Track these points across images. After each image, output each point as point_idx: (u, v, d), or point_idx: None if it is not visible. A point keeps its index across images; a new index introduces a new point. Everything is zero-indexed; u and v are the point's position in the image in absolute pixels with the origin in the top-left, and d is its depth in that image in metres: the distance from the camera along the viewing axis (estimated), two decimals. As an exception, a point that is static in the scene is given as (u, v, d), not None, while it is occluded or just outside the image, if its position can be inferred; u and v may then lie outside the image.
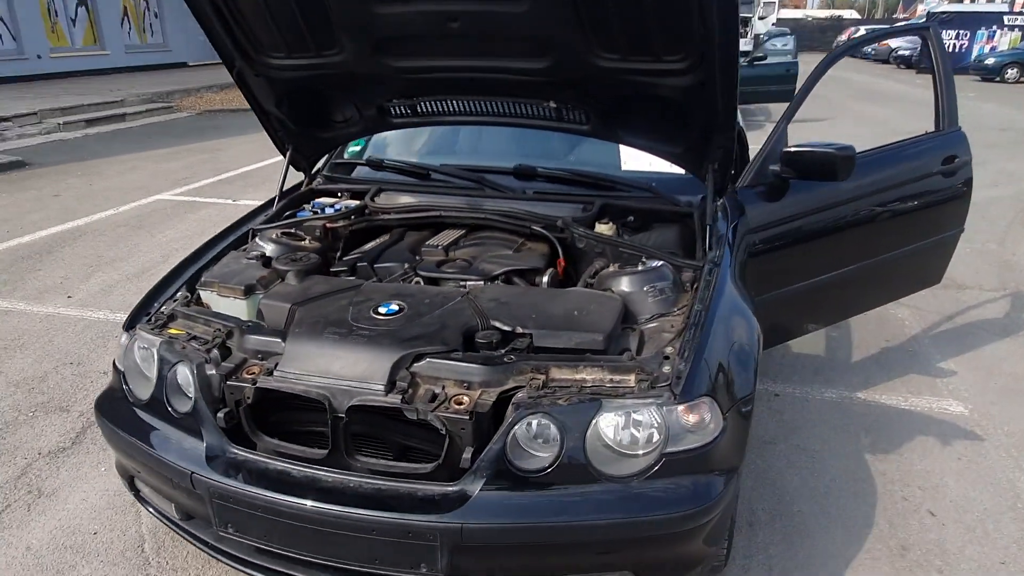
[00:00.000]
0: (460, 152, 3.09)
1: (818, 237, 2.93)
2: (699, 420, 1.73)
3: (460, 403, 1.71)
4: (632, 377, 1.76)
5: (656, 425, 1.70)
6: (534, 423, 1.68)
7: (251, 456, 1.81)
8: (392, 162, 2.92)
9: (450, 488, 1.68)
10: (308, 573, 1.80)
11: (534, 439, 1.69)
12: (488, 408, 1.69)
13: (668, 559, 1.77)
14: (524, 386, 1.73)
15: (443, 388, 1.76)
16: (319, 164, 3.03)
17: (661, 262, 2.20)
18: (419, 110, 2.58)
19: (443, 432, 1.69)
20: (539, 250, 2.40)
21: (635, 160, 2.74)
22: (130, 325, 2.11)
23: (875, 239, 3.10)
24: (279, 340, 1.88)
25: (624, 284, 2.12)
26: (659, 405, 1.70)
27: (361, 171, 3.02)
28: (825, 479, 2.73)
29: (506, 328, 1.90)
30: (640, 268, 2.16)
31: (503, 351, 1.84)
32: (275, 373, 1.82)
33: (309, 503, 1.68)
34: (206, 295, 2.25)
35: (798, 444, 2.96)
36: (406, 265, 2.28)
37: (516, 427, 1.67)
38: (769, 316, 2.86)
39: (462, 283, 2.20)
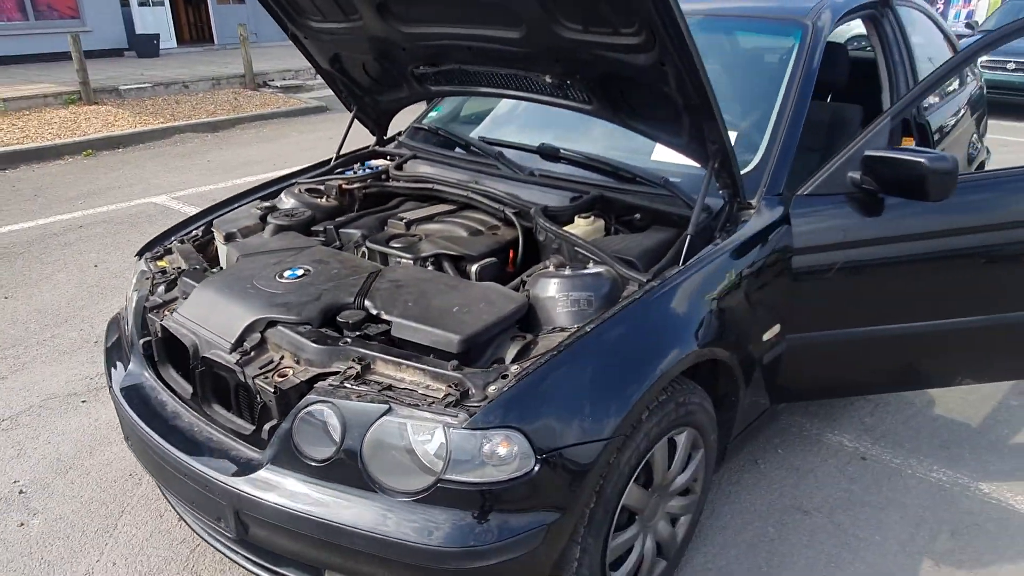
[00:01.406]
0: (515, 128, 2.93)
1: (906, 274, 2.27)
2: (491, 453, 1.50)
3: (283, 376, 1.71)
4: (443, 388, 1.59)
5: (440, 446, 1.52)
6: (319, 411, 1.61)
7: (149, 383, 2.02)
8: (438, 130, 2.89)
9: (252, 455, 1.71)
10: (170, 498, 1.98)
11: (322, 428, 1.62)
12: (293, 385, 1.67)
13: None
14: (339, 372, 1.67)
15: (281, 358, 1.77)
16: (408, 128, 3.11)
17: (603, 270, 1.91)
18: (446, 78, 2.52)
19: (258, 400, 1.71)
20: (504, 237, 2.22)
21: (668, 151, 2.35)
22: (141, 253, 2.45)
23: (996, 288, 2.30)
24: (195, 284, 2.05)
25: (541, 286, 1.88)
26: (447, 426, 1.51)
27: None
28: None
29: (373, 312, 1.83)
30: (567, 272, 1.90)
31: (353, 334, 1.78)
32: (174, 314, 1.99)
33: (156, 436, 1.84)
34: (216, 235, 2.51)
35: (842, 523, 2.36)
36: (359, 234, 2.28)
37: (303, 411, 1.62)
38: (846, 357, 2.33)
39: (399, 259, 2.15)
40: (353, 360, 1.68)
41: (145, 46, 14.09)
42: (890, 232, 2.24)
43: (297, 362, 1.75)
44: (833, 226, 2.23)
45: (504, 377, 1.59)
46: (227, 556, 1.83)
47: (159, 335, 2.03)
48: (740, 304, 2.02)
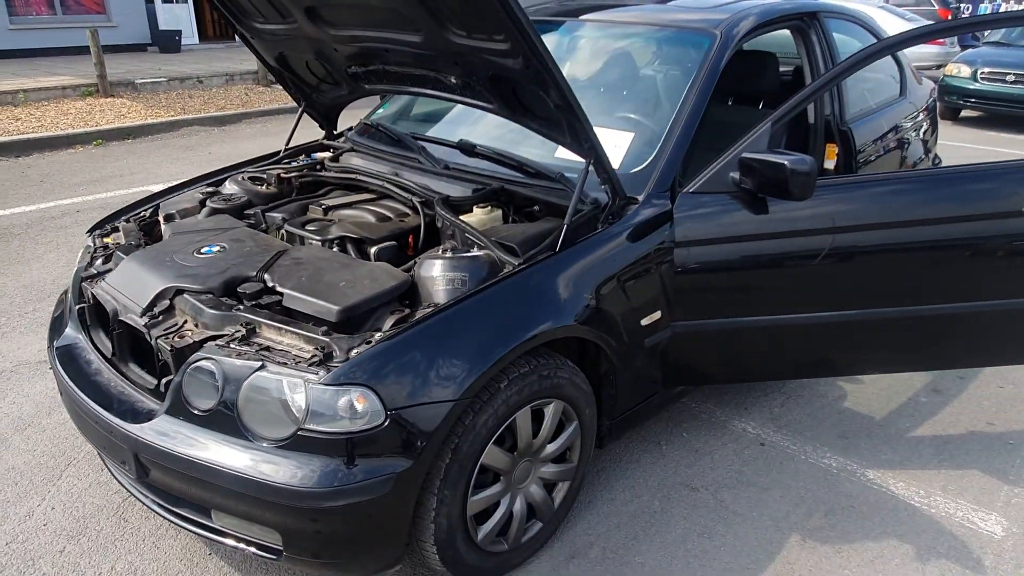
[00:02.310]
0: (446, 126, 3.12)
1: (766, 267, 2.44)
2: (348, 407, 1.71)
3: (182, 337, 1.94)
4: (311, 349, 1.80)
5: (302, 400, 1.73)
6: (205, 366, 1.83)
7: (80, 345, 2.26)
8: (377, 125, 3.10)
9: (154, 407, 1.93)
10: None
11: (207, 382, 1.84)
12: (187, 344, 1.89)
13: (308, 534, 1.78)
14: (227, 335, 1.89)
15: (184, 323, 2.00)
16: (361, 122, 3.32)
17: (482, 253, 2.10)
18: (376, 78, 2.73)
19: (159, 358, 1.94)
20: (409, 224, 2.43)
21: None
22: (92, 230, 2.69)
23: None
24: (123, 257, 2.28)
25: (426, 267, 2.08)
26: (307, 381, 1.72)
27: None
28: (685, 539, 2.33)
29: (269, 284, 2.05)
30: (448, 255, 2.10)
31: (248, 304, 2.00)
32: (101, 283, 2.22)
33: (77, 389, 2.07)
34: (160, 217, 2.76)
35: (724, 500, 2.53)
36: (280, 217, 2.50)
37: (191, 367, 1.84)
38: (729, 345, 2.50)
39: (310, 241, 2.37)
40: (241, 324, 1.90)
41: (167, 42, 14.52)
42: (765, 229, 2.41)
43: (196, 326, 1.97)
44: (714, 222, 2.40)
45: (368, 343, 1.79)
46: (134, 496, 2.05)
47: (91, 302, 2.27)
48: (614, 290, 2.20)
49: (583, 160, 2.32)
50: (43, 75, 10.77)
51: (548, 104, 2.11)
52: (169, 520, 1.98)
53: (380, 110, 3.37)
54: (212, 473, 1.78)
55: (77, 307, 2.32)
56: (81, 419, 2.09)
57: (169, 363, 1.91)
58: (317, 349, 1.79)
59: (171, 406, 1.87)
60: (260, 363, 1.78)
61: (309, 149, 3.22)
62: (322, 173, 2.85)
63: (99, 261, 2.40)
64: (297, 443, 1.73)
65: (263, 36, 2.82)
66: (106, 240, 2.59)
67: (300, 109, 3.21)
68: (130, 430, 1.88)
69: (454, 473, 1.88)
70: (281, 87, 3.17)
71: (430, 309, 1.91)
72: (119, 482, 2.21)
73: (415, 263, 2.20)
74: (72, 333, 2.30)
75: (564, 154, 2.57)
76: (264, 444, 1.76)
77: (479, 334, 1.88)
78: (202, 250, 2.23)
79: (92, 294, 2.24)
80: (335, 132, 3.33)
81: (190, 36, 15.86)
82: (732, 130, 2.77)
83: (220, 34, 17.75)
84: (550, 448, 2.18)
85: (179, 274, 2.09)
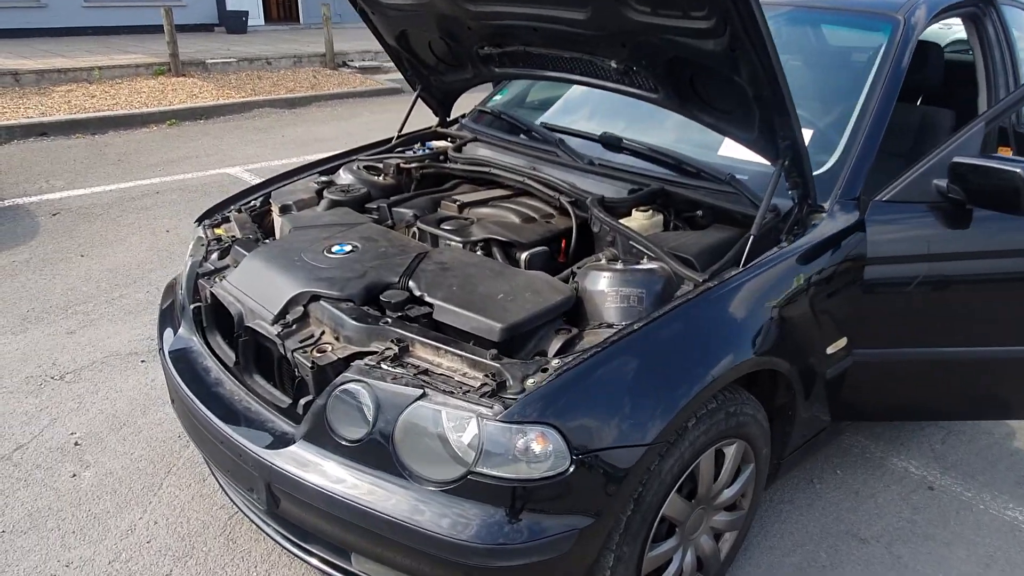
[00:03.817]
0: (579, 117, 2.83)
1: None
2: (526, 448, 1.44)
3: (322, 351, 1.69)
4: (480, 377, 1.53)
5: (474, 437, 1.47)
6: (354, 390, 1.58)
7: (196, 348, 2.04)
8: (501, 114, 2.83)
9: (287, 429, 1.70)
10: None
11: (356, 408, 1.59)
12: (330, 362, 1.64)
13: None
14: (377, 352, 1.64)
15: (322, 333, 1.75)
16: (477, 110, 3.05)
17: (657, 266, 1.81)
18: (511, 60, 2.45)
19: (297, 372, 1.70)
20: (558, 226, 2.15)
21: (736, 147, 2.23)
22: (200, 220, 2.47)
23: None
24: (245, 253, 2.05)
25: (591, 279, 1.80)
26: (480, 417, 1.46)
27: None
28: (897, 610, 2.01)
29: (416, 293, 1.79)
30: (619, 267, 1.81)
31: (394, 315, 1.74)
32: (223, 281, 1.99)
33: (198, 402, 1.85)
34: (274, 207, 2.53)
35: (901, 556, 2.21)
36: (412, 214, 2.24)
37: (338, 389, 1.59)
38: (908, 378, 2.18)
39: (448, 242, 2.10)
40: (392, 341, 1.64)
41: (234, 22, 14.50)
42: (977, 247, 2.07)
43: (337, 338, 1.72)
44: (913, 236, 2.08)
45: (544, 371, 1.52)
46: (259, 527, 1.83)
47: (208, 301, 2.04)
48: (804, 313, 1.89)
49: (759, 161, 2.02)
50: (116, 53, 10.78)
51: (742, 95, 1.80)
52: (297, 556, 1.75)
53: (498, 96, 3.09)
54: (359, 513, 1.53)
55: (192, 306, 2.10)
56: (200, 434, 1.87)
57: (308, 381, 1.67)
58: (488, 376, 1.52)
59: (311, 431, 1.63)
60: (421, 391, 1.52)
61: (422, 137, 2.96)
62: (447, 165, 2.58)
63: (215, 255, 2.17)
64: (465, 487, 1.47)
65: (387, 12, 2.56)
66: (217, 231, 2.37)
67: (416, 93, 2.95)
68: (265, 457, 1.64)
69: (635, 526, 1.60)
70: (393, 68, 2.91)
71: (610, 332, 1.63)
72: (228, 497, 2.00)
73: (572, 273, 1.93)
74: (186, 335, 2.09)
75: (729, 152, 2.26)
76: (424, 485, 1.50)
77: (675, 364, 1.60)
78: (332, 249, 1.98)
79: (210, 293, 2.01)
80: (448, 119, 3.07)
81: (256, 17, 15.84)
82: (894, 130, 2.40)
83: (284, 15, 17.70)
84: (727, 494, 1.88)
85: (313, 277, 1.85)
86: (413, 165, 2.61)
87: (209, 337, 2.06)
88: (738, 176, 2.10)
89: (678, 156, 2.23)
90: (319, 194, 2.46)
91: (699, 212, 2.13)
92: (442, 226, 2.15)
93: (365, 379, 1.57)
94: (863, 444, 2.72)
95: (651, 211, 2.10)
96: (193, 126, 7.68)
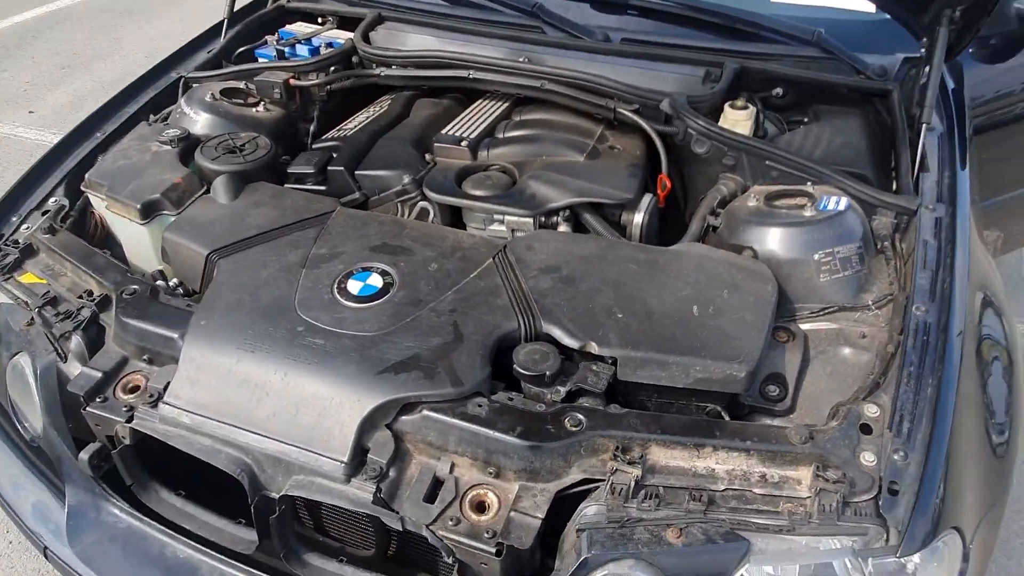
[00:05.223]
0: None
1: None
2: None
3: (483, 506, 0.94)
4: (807, 477, 0.93)
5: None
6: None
7: (138, 526, 1.10)
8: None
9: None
10: None
11: None
12: (533, 536, 0.91)
13: None
14: (601, 483, 0.94)
15: (451, 468, 0.97)
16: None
17: (844, 199, 1.27)
18: None
19: (450, 561, 0.93)
20: (629, 153, 1.46)
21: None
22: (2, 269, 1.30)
23: None
24: (175, 336, 1.08)
25: (777, 240, 1.21)
26: (860, 555, 0.89)
27: None
28: None
29: (570, 342, 1.06)
30: (808, 213, 1.24)
31: (562, 393, 1.02)
32: (161, 404, 1.04)
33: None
34: (95, 201, 1.42)
35: None
36: (406, 178, 1.38)
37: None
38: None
39: (498, 218, 1.32)
40: (615, 453, 0.94)
41: None
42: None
43: (495, 475, 0.96)
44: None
45: (867, 430, 0.97)
46: None
47: (124, 441, 1.08)
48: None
49: (833, 4, 1.53)
50: None
51: None
52: None
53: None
54: None
55: (87, 455, 1.09)
56: None
57: (474, 570, 0.92)
58: (823, 471, 0.92)
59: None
60: (742, 542, 0.88)
61: (260, 25, 1.87)
62: (377, 72, 1.61)
63: (73, 341, 1.14)
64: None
65: None
66: (23, 279, 1.26)
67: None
68: None
69: None
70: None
71: (898, 331, 1.09)
72: None
73: (711, 227, 1.31)
74: (87, 499, 1.11)
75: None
76: None
77: (980, 366, 1.14)
78: (351, 289, 1.11)
79: (131, 430, 1.05)
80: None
81: None
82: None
83: None
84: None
85: (382, 359, 1.00)
86: (313, 80, 1.61)
87: (143, 497, 1.11)
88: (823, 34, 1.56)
89: (731, 12, 1.60)
90: (184, 158, 1.41)
91: (777, 91, 1.58)
92: (469, 190, 1.34)
93: (631, 553, 0.88)
94: None
95: (744, 103, 1.49)
96: None
